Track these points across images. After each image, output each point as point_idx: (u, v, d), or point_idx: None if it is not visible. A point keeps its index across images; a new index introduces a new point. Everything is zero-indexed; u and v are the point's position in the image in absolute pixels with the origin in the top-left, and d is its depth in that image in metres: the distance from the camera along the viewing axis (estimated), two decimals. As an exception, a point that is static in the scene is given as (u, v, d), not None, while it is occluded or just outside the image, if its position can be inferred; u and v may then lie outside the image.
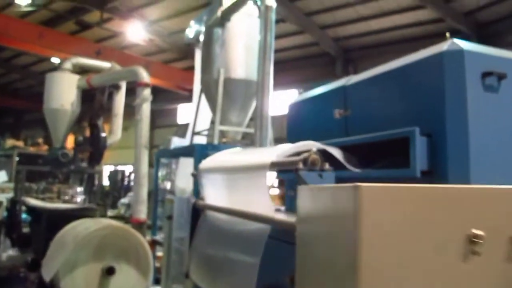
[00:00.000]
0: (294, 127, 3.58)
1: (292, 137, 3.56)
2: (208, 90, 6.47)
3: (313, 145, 2.24)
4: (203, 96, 6.70)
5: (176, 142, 10.55)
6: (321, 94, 3.24)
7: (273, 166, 2.05)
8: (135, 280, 5.34)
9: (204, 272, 2.83)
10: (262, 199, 2.11)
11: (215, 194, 2.91)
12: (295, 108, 3.60)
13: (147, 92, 6.24)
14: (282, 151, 2.27)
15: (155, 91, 7.41)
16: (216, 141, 5.86)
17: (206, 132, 6.79)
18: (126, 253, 5.26)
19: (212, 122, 6.79)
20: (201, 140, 6.91)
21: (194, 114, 6.75)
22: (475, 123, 2.09)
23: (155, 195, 6.28)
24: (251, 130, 6.33)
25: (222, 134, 6.39)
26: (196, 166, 5.35)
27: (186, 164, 9.87)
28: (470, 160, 2.06)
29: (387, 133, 2.26)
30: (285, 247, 2.04)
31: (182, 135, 14.46)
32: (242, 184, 2.42)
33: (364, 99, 2.73)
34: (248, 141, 6.56)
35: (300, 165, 1.80)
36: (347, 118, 2.86)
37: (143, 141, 5.97)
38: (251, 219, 2.13)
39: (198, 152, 5.33)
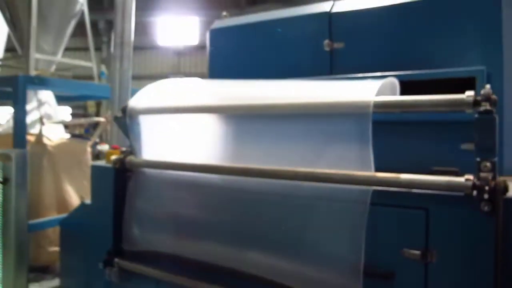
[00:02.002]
0: (227, 61, 2.86)
1: (221, 74, 2.85)
2: (10, 7, 4.61)
3: (393, 82, 1.79)
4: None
5: None
6: (280, 19, 2.65)
7: (405, 106, 1.50)
8: None
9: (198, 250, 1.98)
10: (359, 152, 1.54)
11: (201, 147, 2.03)
12: (227, 36, 2.87)
13: None
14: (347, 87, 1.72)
15: None
16: (32, 72, 4.29)
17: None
18: None
19: (8, 50, 4.96)
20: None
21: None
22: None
23: None
24: (81, 63, 4.93)
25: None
26: (19, 104, 3.81)
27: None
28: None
29: (447, 71, 1.99)
30: (400, 213, 1.58)
31: None
32: (305, 133, 1.71)
33: (367, 30, 2.35)
34: (65, 72, 5.15)
35: (488, 106, 1.35)
36: (335, 52, 2.44)
37: None
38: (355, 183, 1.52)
39: (21, 87, 3.77)
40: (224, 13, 3.02)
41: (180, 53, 16.09)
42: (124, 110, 2.23)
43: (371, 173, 1.53)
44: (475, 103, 1.39)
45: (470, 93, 1.41)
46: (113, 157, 2.31)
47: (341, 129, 1.62)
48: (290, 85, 1.95)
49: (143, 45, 15.42)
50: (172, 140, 2.16)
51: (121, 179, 2.29)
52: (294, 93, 1.83)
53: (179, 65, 16.25)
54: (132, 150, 2.26)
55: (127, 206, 2.21)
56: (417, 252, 1.52)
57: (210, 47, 2.92)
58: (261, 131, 1.85)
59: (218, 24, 2.95)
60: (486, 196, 1.34)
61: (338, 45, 2.41)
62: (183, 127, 2.12)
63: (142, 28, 15.35)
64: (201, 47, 16.05)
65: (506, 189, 1.34)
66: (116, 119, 2.28)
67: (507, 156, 1.97)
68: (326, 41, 2.42)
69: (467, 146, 2.07)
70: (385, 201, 1.59)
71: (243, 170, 1.80)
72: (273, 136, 1.81)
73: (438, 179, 1.44)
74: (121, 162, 2.24)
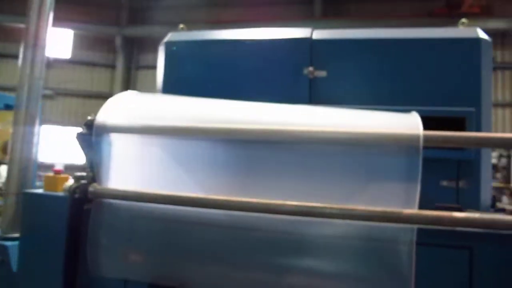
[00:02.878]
0: (187, 76, 2.56)
1: (178, 89, 2.52)
2: None
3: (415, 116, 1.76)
4: None
5: None
6: (255, 40, 2.49)
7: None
8: None
9: None
10: (405, 188, 1.47)
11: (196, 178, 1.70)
12: (188, 50, 2.59)
13: None
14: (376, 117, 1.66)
15: None
16: None
17: None
18: None
19: None
20: None
21: None
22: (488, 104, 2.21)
23: None
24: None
25: None
26: None
27: None
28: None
29: (441, 110, 2.07)
30: (442, 253, 1.53)
31: None
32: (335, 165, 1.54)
33: (350, 61, 2.33)
34: None
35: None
36: (315, 80, 2.36)
37: None
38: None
39: None
40: (181, 26, 2.73)
41: (49, 65, 14.49)
42: (89, 125, 1.79)
43: (419, 211, 1.45)
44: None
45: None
46: (67, 183, 1.84)
47: (383, 163, 1.51)
48: (305, 109, 1.79)
49: (7, 53, 13.57)
50: (154, 166, 1.79)
51: (77, 212, 1.82)
52: (322, 120, 1.67)
53: (47, 78, 14.61)
54: (96, 175, 1.82)
55: (91, 246, 1.75)
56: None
57: (165, 60, 2.60)
58: (281, 161, 1.64)
59: (175, 36, 2.65)
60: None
61: (319, 73, 2.34)
62: (170, 151, 1.78)
63: (7, 35, 13.65)
64: (73, 61, 14.75)
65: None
66: (79, 136, 1.81)
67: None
68: (309, 69, 2.33)
69: (446, 183, 2.17)
70: (423, 239, 1.52)
71: (260, 206, 1.57)
72: (293, 167, 1.61)
73: (497, 218, 1.41)
74: (82, 190, 1.78)
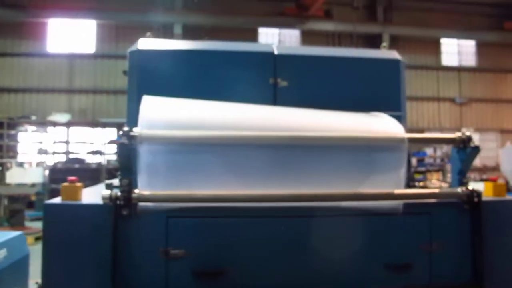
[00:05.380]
0: (160, 83, 2.76)
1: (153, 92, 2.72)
2: None
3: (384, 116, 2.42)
4: None
5: None
6: (225, 51, 2.84)
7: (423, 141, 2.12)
8: None
9: None
10: (392, 177, 2.10)
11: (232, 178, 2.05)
12: (161, 59, 2.80)
13: None
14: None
15: None
16: None
17: None
18: None
19: None
20: None
21: None
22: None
23: None
24: None
25: None
26: None
27: None
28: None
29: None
30: (415, 219, 2.21)
31: None
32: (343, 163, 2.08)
33: (306, 73, 2.86)
34: None
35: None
36: (279, 88, 2.84)
37: None
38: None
39: None
40: (148, 33, 2.89)
41: None
42: (129, 135, 1.96)
43: (404, 190, 2.10)
44: (465, 140, 2.16)
45: (459, 134, 2.18)
46: (104, 192, 1.98)
47: (380, 158, 2.11)
48: (307, 114, 2.28)
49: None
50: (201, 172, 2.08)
51: (119, 220, 1.97)
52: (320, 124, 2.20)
53: None
54: (139, 182, 2.00)
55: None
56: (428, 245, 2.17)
57: (137, 68, 2.75)
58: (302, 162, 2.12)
59: (144, 45, 2.79)
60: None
61: (282, 83, 2.82)
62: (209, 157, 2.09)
63: None
64: None
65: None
66: (121, 146, 1.95)
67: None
68: (273, 79, 2.79)
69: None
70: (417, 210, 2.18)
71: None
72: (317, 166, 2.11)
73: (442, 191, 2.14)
74: (125, 197, 1.94)
